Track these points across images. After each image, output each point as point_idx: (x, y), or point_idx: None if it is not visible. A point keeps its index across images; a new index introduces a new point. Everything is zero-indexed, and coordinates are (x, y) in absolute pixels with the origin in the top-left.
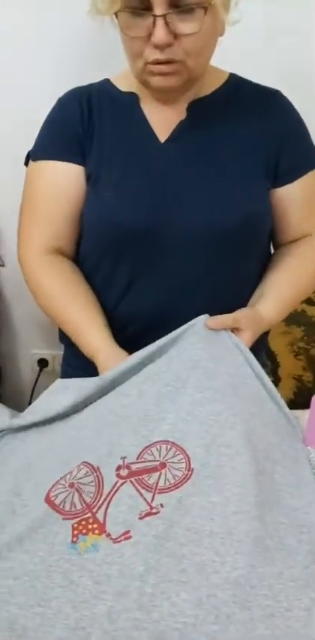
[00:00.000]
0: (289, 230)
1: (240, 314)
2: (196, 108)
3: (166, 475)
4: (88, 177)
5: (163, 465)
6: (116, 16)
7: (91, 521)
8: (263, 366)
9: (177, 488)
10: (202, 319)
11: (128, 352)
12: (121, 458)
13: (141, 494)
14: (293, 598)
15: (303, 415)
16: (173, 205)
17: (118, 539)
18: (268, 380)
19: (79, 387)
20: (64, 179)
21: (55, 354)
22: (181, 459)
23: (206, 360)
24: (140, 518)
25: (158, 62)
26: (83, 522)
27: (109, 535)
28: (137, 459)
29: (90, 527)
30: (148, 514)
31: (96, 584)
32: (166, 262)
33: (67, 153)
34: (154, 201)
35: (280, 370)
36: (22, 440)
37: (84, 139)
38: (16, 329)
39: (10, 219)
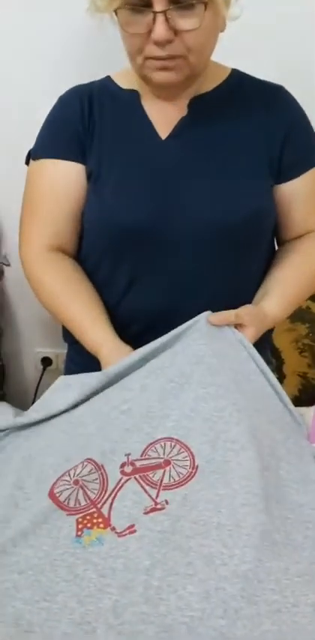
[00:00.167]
0: (293, 226)
1: (243, 310)
2: (198, 104)
3: (170, 472)
4: (89, 176)
5: (167, 463)
6: (116, 14)
7: (95, 515)
8: (268, 363)
9: (182, 485)
10: (205, 315)
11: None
12: (125, 455)
13: (145, 491)
14: (300, 594)
15: (308, 412)
16: (174, 203)
17: (123, 533)
18: (272, 376)
19: (82, 383)
20: (65, 178)
21: (58, 352)
22: (186, 456)
23: (210, 356)
24: (145, 513)
25: (159, 58)
26: (88, 517)
27: (113, 529)
28: (141, 455)
29: (95, 521)
30: (153, 509)
31: (101, 577)
32: (167, 260)
33: (67, 151)
34: (154, 200)
35: (285, 367)
36: (25, 438)
37: (84, 137)
38: (20, 328)
39: (15, 219)
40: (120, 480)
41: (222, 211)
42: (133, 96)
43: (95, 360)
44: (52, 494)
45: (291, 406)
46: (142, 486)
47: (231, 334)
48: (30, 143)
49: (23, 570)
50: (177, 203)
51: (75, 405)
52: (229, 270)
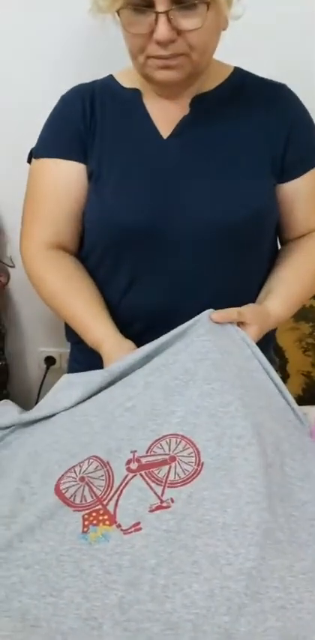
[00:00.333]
0: (296, 226)
1: (245, 308)
2: (200, 103)
3: (175, 469)
4: (90, 176)
5: (172, 459)
6: (118, 14)
7: (101, 512)
8: (271, 362)
9: (187, 483)
10: (208, 313)
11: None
12: (131, 452)
13: (151, 488)
14: (304, 590)
15: (312, 411)
16: (174, 203)
17: (129, 531)
18: (275, 375)
19: (85, 381)
20: (65, 178)
21: (62, 351)
22: (191, 452)
23: (214, 352)
24: (150, 511)
25: (161, 57)
26: (94, 513)
27: (119, 526)
28: (147, 452)
29: (100, 518)
30: (159, 507)
31: (107, 573)
32: (167, 260)
33: (68, 151)
34: (155, 199)
35: (289, 366)
36: (30, 433)
37: (86, 136)
38: (24, 327)
39: (19, 220)
40: (126, 476)
41: (222, 211)
42: (135, 95)
43: (98, 358)
44: (58, 491)
45: (294, 405)
46: (147, 483)
47: (234, 332)
48: (30, 143)
49: (30, 565)
50: (177, 203)
51: (79, 403)
52: (230, 269)
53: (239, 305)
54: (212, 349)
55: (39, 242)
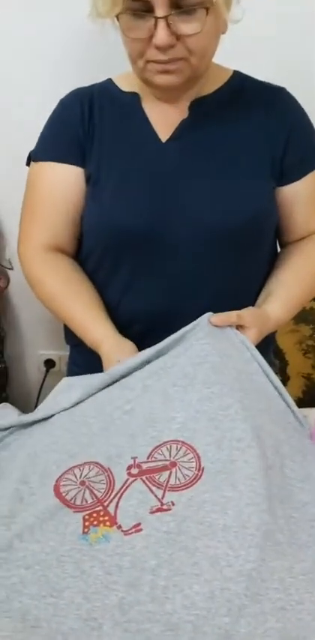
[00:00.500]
0: (296, 229)
1: (245, 311)
2: (199, 106)
3: (176, 474)
4: (88, 179)
5: (173, 464)
6: (117, 19)
7: (102, 513)
8: (271, 365)
9: (187, 487)
10: (207, 317)
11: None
12: (131, 458)
13: (151, 491)
14: (304, 591)
15: (312, 413)
16: (174, 205)
17: (129, 532)
18: (275, 377)
19: (85, 384)
20: (63, 181)
21: (61, 354)
22: (191, 458)
23: (213, 355)
24: (151, 513)
25: (160, 61)
26: (94, 514)
27: (120, 527)
28: (147, 458)
29: (101, 519)
30: (159, 509)
31: (107, 574)
32: (166, 262)
33: (66, 155)
34: (153, 203)
35: (289, 369)
36: (29, 435)
37: (84, 140)
38: (23, 330)
39: (18, 223)
40: (126, 480)
41: (222, 213)
42: (134, 98)
43: (98, 361)
44: (57, 493)
45: (294, 407)
46: (148, 486)
47: (233, 335)
48: (29, 145)
49: (30, 565)
50: (176, 205)
51: (78, 404)
52: (230, 271)
53: (239, 307)
54: (211, 352)
55: (37, 245)
